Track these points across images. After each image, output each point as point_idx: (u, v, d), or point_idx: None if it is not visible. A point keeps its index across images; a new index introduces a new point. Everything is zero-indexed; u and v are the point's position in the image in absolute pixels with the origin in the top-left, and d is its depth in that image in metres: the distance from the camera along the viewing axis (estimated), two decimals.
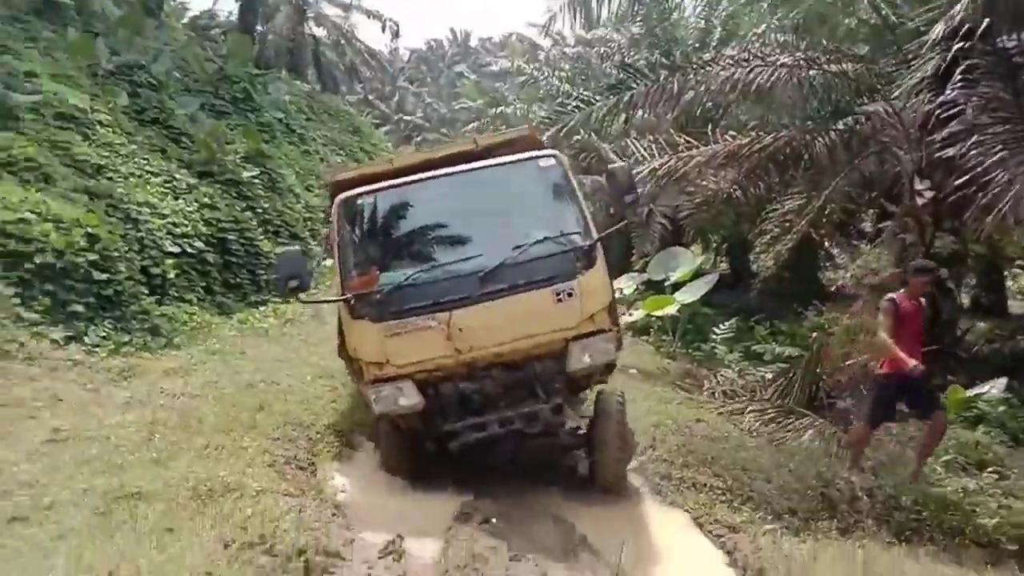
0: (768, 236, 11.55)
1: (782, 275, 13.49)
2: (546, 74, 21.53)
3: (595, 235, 5.47)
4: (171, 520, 3.54)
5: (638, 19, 17.82)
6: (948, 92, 7.07)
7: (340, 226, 5.59)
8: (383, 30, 36.16)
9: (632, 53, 18.86)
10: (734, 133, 11.93)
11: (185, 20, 30.63)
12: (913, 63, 7.61)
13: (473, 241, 5.65)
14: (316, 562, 3.62)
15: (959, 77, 7.05)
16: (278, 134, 17.28)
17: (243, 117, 16.62)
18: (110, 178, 11.01)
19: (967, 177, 6.51)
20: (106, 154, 11.40)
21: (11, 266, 8.16)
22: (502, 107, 27.26)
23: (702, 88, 11.20)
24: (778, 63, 10.53)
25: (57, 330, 8.17)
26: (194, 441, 4.86)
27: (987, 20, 7.02)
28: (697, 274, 13.57)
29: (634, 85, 11.80)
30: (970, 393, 8.83)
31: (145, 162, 12.00)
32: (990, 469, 6.66)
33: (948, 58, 7.10)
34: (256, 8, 24.40)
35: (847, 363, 7.85)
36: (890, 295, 6.50)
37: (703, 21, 17.32)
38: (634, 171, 5.37)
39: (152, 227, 10.70)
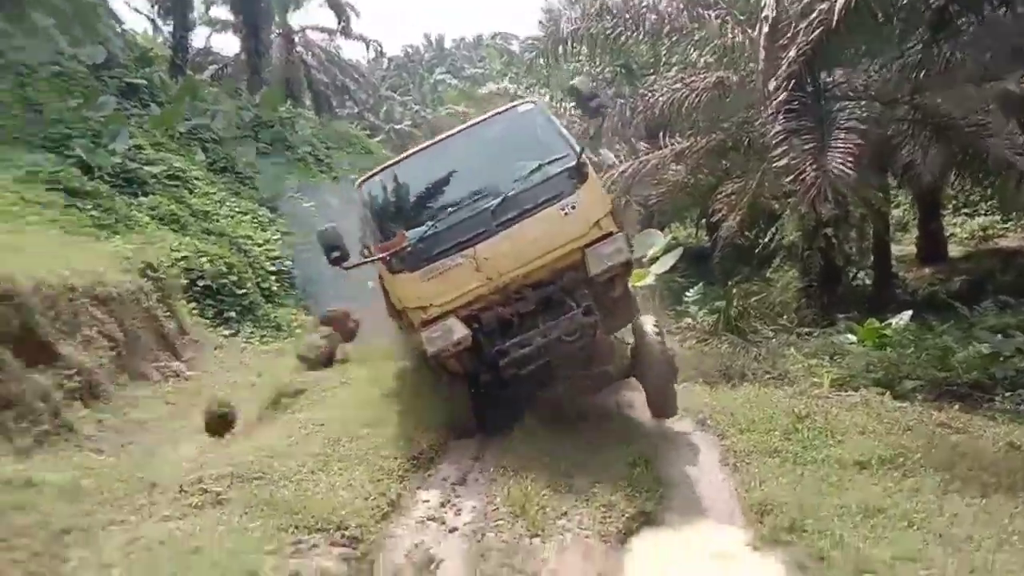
0: (719, 214, 16.32)
1: (744, 242, 18.09)
2: (524, 87, 26.24)
3: (580, 152, 6.23)
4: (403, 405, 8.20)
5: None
6: (778, 126, 11.77)
7: (365, 204, 6.59)
8: (367, 49, 40.96)
9: (596, 64, 23.64)
10: (679, 139, 16.82)
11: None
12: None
13: (478, 185, 6.51)
14: None
15: (782, 117, 11.73)
16: (311, 166, 22.10)
17: (281, 156, 21.44)
18: (217, 220, 15.85)
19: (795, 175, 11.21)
20: (208, 202, 16.19)
21: (187, 289, 13.07)
22: None
23: (649, 111, 16.01)
24: (700, 87, 15.36)
25: (222, 330, 13.12)
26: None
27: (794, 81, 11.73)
28: (667, 249, 18.33)
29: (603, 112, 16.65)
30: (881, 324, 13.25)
31: (235, 204, 16.83)
32: (835, 355, 11.46)
33: (781, 103, 11.75)
34: (259, 48, 29.04)
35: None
36: None
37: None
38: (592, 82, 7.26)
39: (256, 253, 15.54)
